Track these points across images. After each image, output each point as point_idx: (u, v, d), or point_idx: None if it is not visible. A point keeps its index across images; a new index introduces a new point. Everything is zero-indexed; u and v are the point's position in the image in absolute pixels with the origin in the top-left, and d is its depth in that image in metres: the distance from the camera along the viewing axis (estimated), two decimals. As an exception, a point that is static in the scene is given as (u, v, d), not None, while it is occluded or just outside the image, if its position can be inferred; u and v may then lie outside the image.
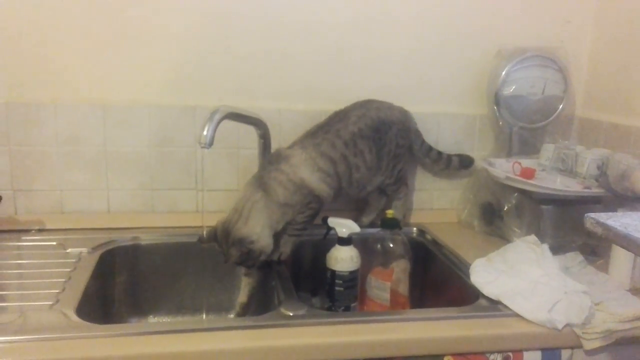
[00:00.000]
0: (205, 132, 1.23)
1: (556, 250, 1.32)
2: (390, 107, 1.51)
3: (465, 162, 1.63)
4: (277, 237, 1.32)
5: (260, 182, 1.30)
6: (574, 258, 1.35)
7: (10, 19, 1.44)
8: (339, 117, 1.43)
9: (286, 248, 1.34)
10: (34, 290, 1.13)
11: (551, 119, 1.64)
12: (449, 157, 1.62)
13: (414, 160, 1.64)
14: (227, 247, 1.24)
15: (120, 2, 1.48)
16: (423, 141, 1.59)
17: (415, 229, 1.60)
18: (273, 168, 1.32)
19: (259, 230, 1.25)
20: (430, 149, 1.59)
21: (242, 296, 1.36)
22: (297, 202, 1.31)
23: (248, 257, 1.24)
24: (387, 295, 1.33)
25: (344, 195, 1.43)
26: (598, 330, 1.06)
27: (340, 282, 1.27)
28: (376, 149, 1.44)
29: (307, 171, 1.33)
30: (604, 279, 1.26)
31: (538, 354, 1.08)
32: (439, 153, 1.61)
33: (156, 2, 1.49)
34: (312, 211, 1.35)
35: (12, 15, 1.44)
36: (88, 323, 1.02)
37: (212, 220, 1.41)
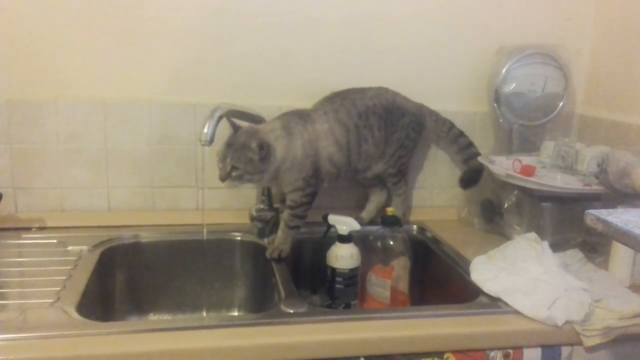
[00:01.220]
0: (205, 130, 1.23)
1: (556, 247, 1.32)
2: (406, 98, 1.53)
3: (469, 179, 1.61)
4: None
5: (288, 126, 1.32)
6: (574, 255, 1.35)
7: (11, 17, 1.44)
8: (356, 90, 1.47)
9: (286, 246, 1.35)
10: (35, 288, 1.13)
11: (551, 116, 1.64)
12: (476, 155, 1.59)
13: (418, 157, 1.65)
14: (247, 139, 1.23)
15: (121, 1, 1.48)
16: (451, 127, 1.58)
17: (415, 226, 1.60)
18: (301, 122, 1.34)
19: (278, 156, 1.27)
20: (460, 134, 1.59)
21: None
22: (303, 168, 1.32)
23: (252, 161, 1.23)
24: (387, 293, 1.33)
25: (351, 172, 1.44)
26: (598, 327, 1.06)
27: (341, 279, 1.27)
28: (385, 130, 1.46)
29: (324, 143, 1.36)
30: (604, 276, 1.26)
31: (538, 350, 1.08)
32: (471, 143, 1.59)
33: (158, 0, 1.49)
34: (311, 189, 1.35)
35: (14, 13, 1.44)
36: (89, 321, 1.02)
37: (212, 218, 1.42)
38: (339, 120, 1.39)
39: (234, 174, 1.23)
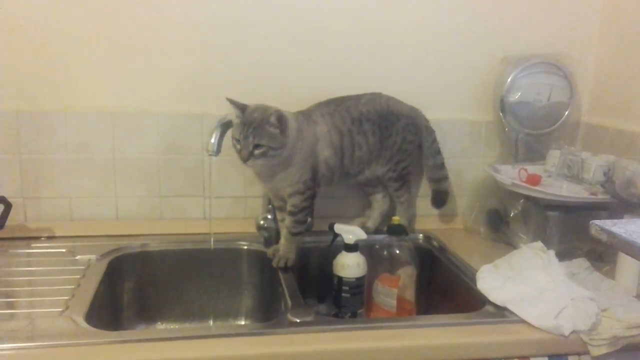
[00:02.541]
0: (212, 140, 1.24)
1: (562, 256, 1.32)
2: (400, 102, 1.54)
3: (438, 199, 1.63)
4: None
5: (297, 120, 1.33)
6: (581, 264, 1.35)
7: (21, 28, 1.46)
8: (350, 97, 1.48)
9: (292, 254, 1.35)
10: (44, 297, 1.14)
11: (557, 125, 1.64)
12: (446, 177, 1.62)
13: (420, 163, 1.65)
14: (264, 116, 1.22)
15: (129, 12, 1.50)
16: (434, 140, 1.58)
17: (421, 235, 1.60)
18: (306, 121, 1.36)
19: (294, 131, 1.28)
20: (439, 152, 1.60)
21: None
22: (304, 169, 1.33)
23: (273, 136, 1.23)
24: (393, 302, 1.33)
25: (344, 176, 1.45)
26: (605, 336, 1.06)
27: (347, 288, 1.28)
28: (380, 135, 1.46)
29: (322, 146, 1.37)
30: (611, 286, 1.26)
31: (545, 360, 1.08)
32: (444, 164, 1.61)
33: (164, 12, 1.51)
34: (310, 192, 1.36)
35: (23, 25, 1.46)
36: (97, 330, 1.03)
37: (219, 227, 1.42)
38: (334, 124, 1.40)
39: (257, 151, 1.22)
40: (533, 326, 1.08)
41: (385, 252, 1.36)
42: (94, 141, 1.52)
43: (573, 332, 1.06)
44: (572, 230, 1.41)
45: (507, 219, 1.52)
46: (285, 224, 1.37)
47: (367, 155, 1.46)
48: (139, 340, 1.00)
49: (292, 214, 1.35)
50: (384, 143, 1.48)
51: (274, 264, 1.34)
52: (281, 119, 1.23)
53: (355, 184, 1.57)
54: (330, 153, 1.39)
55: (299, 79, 1.60)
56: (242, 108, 1.25)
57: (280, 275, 1.31)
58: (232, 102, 1.26)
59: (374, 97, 1.49)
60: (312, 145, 1.35)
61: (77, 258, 1.34)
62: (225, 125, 1.29)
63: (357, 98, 1.47)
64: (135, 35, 1.51)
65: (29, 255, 1.36)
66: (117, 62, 1.52)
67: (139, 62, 1.53)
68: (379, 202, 1.59)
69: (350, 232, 1.30)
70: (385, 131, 1.47)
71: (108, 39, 1.50)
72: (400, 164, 1.52)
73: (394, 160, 1.50)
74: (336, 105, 1.44)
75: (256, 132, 1.21)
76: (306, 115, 1.39)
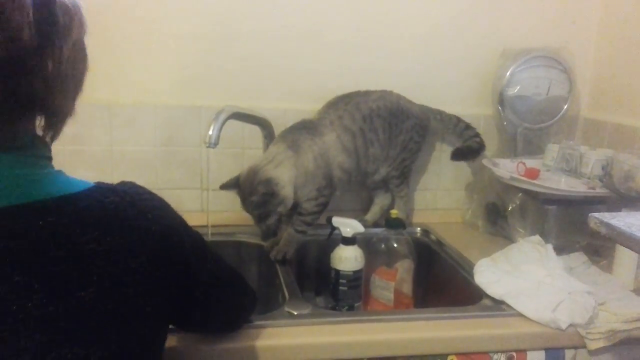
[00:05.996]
0: (210, 132, 1.24)
1: (560, 250, 1.32)
2: (410, 101, 1.53)
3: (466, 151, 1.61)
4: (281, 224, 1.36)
5: (295, 144, 1.33)
6: (578, 258, 1.35)
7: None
8: (359, 93, 1.47)
9: (291, 248, 1.35)
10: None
11: (556, 119, 1.64)
12: (479, 142, 1.59)
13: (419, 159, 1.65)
14: (252, 187, 1.24)
15: (125, 4, 1.49)
16: (458, 121, 1.58)
17: (419, 229, 1.60)
18: (309, 137, 1.35)
19: (286, 179, 1.27)
20: (467, 127, 1.59)
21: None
22: (317, 179, 1.33)
23: (268, 201, 1.24)
24: (391, 295, 1.33)
25: (361, 176, 1.46)
26: (602, 330, 1.06)
27: (345, 281, 1.28)
28: (390, 132, 1.46)
29: (334, 153, 1.37)
30: (608, 279, 1.26)
31: (542, 353, 1.08)
32: (477, 134, 1.59)
33: (162, 3, 1.50)
34: (324, 199, 1.36)
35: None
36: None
37: (217, 220, 1.42)
38: (345, 127, 1.39)
39: (268, 221, 1.27)
40: (530, 320, 1.08)
41: (383, 246, 1.36)
42: (90, 133, 1.52)
43: (570, 325, 1.07)
44: (570, 224, 1.41)
45: (505, 212, 1.52)
46: (292, 220, 1.37)
47: (379, 151, 1.46)
48: (136, 332, 0.99)
49: (301, 214, 1.36)
50: (393, 141, 1.47)
51: (272, 256, 1.34)
52: (266, 192, 1.24)
53: (369, 183, 1.56)
54: (345, 157, 1.38)
55: (297, 71, 1.59)
56: (235, 185, 1.29)
57: (278, 267, 1.31)
58: (225, 187, 1.31)
59: (384, 94, 1.49)
60: (322, 157, 1.35)
61: (73, 250, 1.33)
62: (224, 117, 1.28)
63: (366, 94, 1.47)
64: (132, 26, 1.50)
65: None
66: (114, 54, 1.51)
67: (137, 54, 1.52)
68: (381, 197, 1.59)
69: (347, 225, 1.29)
70: (395, 129, 1.47)
71: (104, 31, 1.49)
72: (404, 162, 1.52)
73: (399, 159, 1.50)
74: (345, 105, 1.43)
75: (253, 205, 1.26)
76: (311, 130, 1.37)
